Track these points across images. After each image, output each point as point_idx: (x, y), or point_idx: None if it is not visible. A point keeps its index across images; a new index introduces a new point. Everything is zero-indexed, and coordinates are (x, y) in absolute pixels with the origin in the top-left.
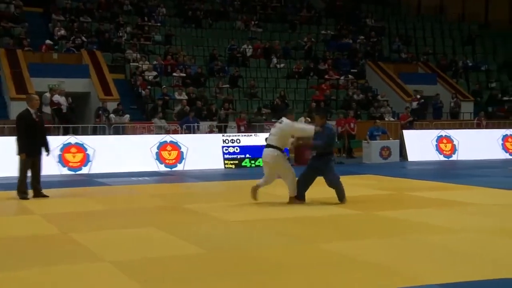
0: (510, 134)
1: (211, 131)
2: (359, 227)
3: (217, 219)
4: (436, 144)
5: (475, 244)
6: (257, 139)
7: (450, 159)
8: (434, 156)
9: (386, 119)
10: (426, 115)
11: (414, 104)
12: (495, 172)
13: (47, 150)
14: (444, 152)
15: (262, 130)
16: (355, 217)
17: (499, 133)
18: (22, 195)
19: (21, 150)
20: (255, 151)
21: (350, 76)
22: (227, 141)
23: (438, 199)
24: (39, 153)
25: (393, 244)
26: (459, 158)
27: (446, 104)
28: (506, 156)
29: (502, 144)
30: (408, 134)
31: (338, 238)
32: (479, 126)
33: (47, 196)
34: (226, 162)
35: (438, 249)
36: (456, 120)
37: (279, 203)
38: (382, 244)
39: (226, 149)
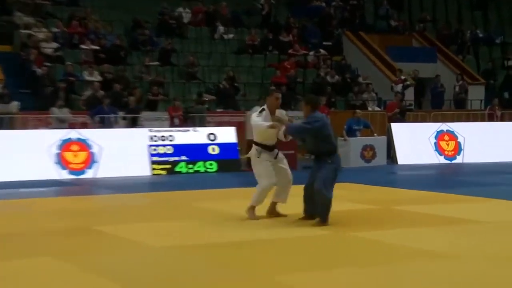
0: None
1: (133, 125)
2: (330, 252)
3: (138, 245)
4: (435, 142)
5: (479, 275)
6: (197, 135)
7: (454, 161)
8: (433, 157)
9: (370, 108)
10: (422, 103)
11: (398, 87)
12: (511, 180)
13: None
14: (446, 152)
15: (203, 123)
16: (326, 239)
17: None
18: None
19: None
20: (193, 152)
21: (321, 51)
22: (155, 138)
23: (435, 215)
24: None
25: (373, 276)
26: (465, 161)
27: (449, 89)
28: None
29: None
30: (398, 128)
31: (300, 268)
32: (491, 117)
33: None
34: (154, 166)
35: (432, 281)
36: (462, 110)
37: (230, 220)
38: (358, 276)
39: (154, 149)
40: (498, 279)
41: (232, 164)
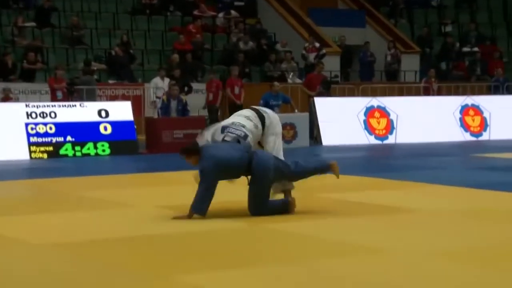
0: (472, 105)
1: (6, 98)
2: (246, 248)
3: (13, 242)
4: (364, 120)
5: (413, 271)
6: (85, 112)
7: (385, 142)
8: (362, 137)
9: (290, 80)
10: (350, 74)
11: (310, 57)
12: (450, 162)
13: None
14: (377, 131)
15: (93, 97)
16: (241, 233)
17: (456, 102)
18: None
19: None
20: (81, 131)
21: (233, 12)
22: (34, 115)
23: (365, 203)
24: None
25: (295, 274)
26: (398, 141)
27: (380, 58)
28: (466, 136)
29: (460, 119)
30: (322, 104)
31: (207, 266)
32: (427, 91)
33: None
34: (33, 149)
35: (363, 279)
36: (394, 83)
37: (125, 213)
38: (278, 274)
39: (32, 128)
40: (434, 275)
41: (128, 146)
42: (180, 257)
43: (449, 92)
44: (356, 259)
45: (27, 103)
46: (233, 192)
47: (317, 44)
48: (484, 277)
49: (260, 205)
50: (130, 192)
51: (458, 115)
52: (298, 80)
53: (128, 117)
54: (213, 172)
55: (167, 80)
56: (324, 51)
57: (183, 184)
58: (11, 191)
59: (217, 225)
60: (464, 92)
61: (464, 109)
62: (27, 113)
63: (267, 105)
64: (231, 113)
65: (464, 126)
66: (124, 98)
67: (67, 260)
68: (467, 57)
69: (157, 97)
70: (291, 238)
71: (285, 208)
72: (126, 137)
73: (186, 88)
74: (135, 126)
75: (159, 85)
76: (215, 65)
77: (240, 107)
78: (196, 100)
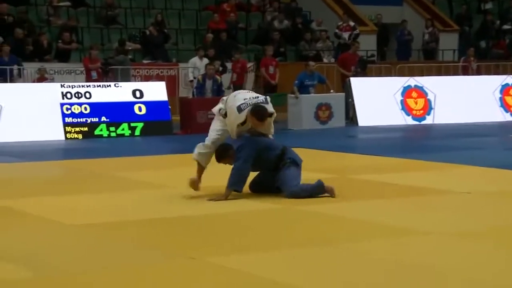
0: None
1: (41, 79)
2: (281, 229)
3: (50, 223)
4: (401, 100)
5: (452, 253)
6: (119, 91)
7: (423, 122)
8: (399, 118)
9: (325, 60)
10: (386, 53)
11: (344, 36)
12: (489, 143)
13: None
14: (414, 112)
15: (127, 77)
16: (276, 214)
17: (496, 81)
18: None
19: None
20: (115, 112)
21: None
22: (69, 96)
23: (401, 185)
24: None
25: (333, 256)
26: (436, 121)
27: (418, 37)
28: (507, 117)
29: (500, 99)
30: (358, 84)
31: (244, 247)
32: (466, 70)
33: None
34: (68, 129)
35: (401, 261)
36: (432, 62)
37: (160, 193)
38: (315, 256)
39: (67, 109)
40: (466, 255)
41: (162, 126)
42: (210, 238)
43: (488, 71)
44: (389, 241)
45: (62, 83)
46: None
47: (352, 23)
48: None
49: (296, 187)
50: (164, 173)
51: (498, 95)
52: (334, 60)
53: (163, 97)
54: (252, 149)
55: (205, 60)
56: (357, 30)
57: (218, 165)
58: (46, 172)
59: (248, 206)
60: (504, 71)
61: (504, 89)
62: (62, 93)
63: (302, 84)
64: (266, 94)
65: (505, 106)
66: (158, 78)
67: (99, 240)
68: (507, 35)
69: (194, 77)
70: (324, 220)
71: (320, 190)
72: (161, 117)
73: (220, 68)
74: (169, 107)
75: (197, 65)
76: (250, 44)
77: (275, 87)
78: (229, 80)
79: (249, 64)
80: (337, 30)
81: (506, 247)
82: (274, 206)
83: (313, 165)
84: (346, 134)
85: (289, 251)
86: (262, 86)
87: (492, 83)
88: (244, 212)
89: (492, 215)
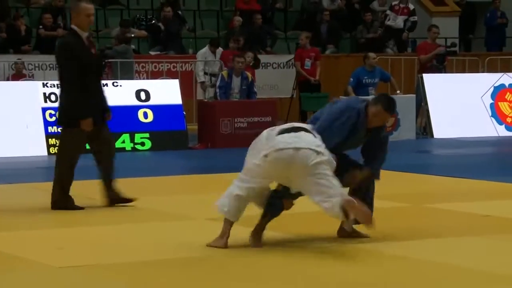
0: None
1: (18, 76)
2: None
3: (34, 265)
4: (492, 104)
5: None
6: (119, 92)
7: None
8: (488, 127)
9: (390, 51)
10: (472, 42)
11: (398, 20)
12: None
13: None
14: (508, 119)
15: (130, 73)
16: (321, 252)
17: None
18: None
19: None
20: (114, 119)
21: None
22: (53, 98)
23: (492, 217)
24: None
25: None
26: None
27: None
28: None
29: None
30: (434, 82)
31: None
32: None
33: (131, 200)
34: (51, 142)
35: None
36: None
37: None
38: None
39: (51, 115)
40: None
41: (175, 138)
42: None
43: None
44: None
45: (45, 82)
46: None
47: (411, 6)
48: None
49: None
50: (176, 199)
51: None
52: (401, 52)
53: (176, 100)
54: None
55: (220, 51)
56: (415, 17)
57: None
58: (25, 197)
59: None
60: None
61: None
62: (44, 94)
63: (359, 83)
64: (302, 93)
65: None
66: (170, 74)
67: (87, 283)
68: None
69: (205, 74)
70: (395, 263)
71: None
72: (173, 126)
73: (252, 62)
74: (184, 112)
75: (209, 58)
76: (290, 30)
77: (316, 87)
78: (265, 77)
79: (288, 58)
80: (388, 11)
81: None
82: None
83: (378, 189)
84: (418, 149)
85: None
86: (297, 86)
87: None
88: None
89: None
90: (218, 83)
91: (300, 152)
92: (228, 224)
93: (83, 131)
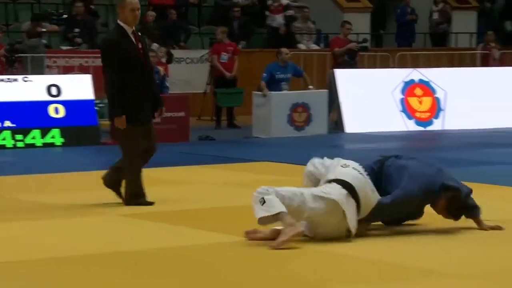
0: None
1: None
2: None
3: None
4: (402, 99)
5: None
6: (30, 87)
7: (429, 128)
8: (398, 122)
9: (303, 46)
10: (383, 38)
11: (277, 19)
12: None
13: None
14: (418, 114)
15: (40, 68)
16: (232, 250)
17: None
18: (137, 199)
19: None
20: (24, 115)
21: None
22: None
23: None
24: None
25: None
26: (446, 127)
27: (424, 17)
28: None
29: None
30: (346, 78)
31: None
32: (486, 60)
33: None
34: None
35: None
36: (442, 49)
37: (78, 222)
38: None
39: None
40: None
41: (87, 134)
42: (154, 279)
43: None
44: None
45: None
46: None
47: (284, 1)
48: None
49: None
50: (89, 195)
51: None
52: (314, 46)
53: (88, 95)
54: None
55: (155, 46)
56: (292, 11)
57: (158, 185)
58: None
59: (209, 238)
60: None
61: None
62: None
63: (272, 79)
64: (217, 88)
65: None
66: (82, 69)
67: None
68: None
69: None
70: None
71: None
72: (84, 122)
73: (164, 56)
74: (97, 108)
75: None
76: (204, 25)
77: (232, 82)
78: (179, 72)
79: (202, 53)
80: (266, 12)
81: None
82: (232, 239)
83: (288, 183)
84: (330, 144)
85: None
86: (213, 80)
87: None
88: (191, 248)
89: None
90: None
91: None
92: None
93: (133, 127)
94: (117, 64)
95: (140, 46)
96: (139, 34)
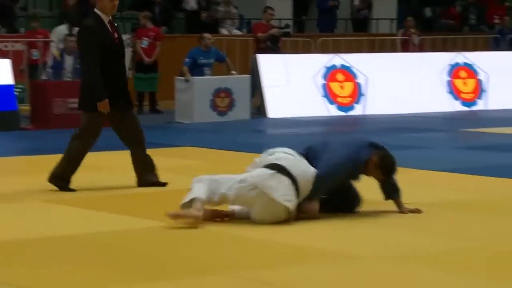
0: (465, 64)
1: None
2: (179, 254)
3: None
4: (324, 84)
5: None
6: None
7: (350, 113)
8: (321, 108)
9: (226, 31)
10: (305, 23)
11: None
12: (436, 140)
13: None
14: (339, 99)
15: None
16: (154, 233)
17: (443, 60)
18: (59, 182)
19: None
20: None
21: None
22: None
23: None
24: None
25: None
26: (368, 112)
27: (345, 2)
28: (456, 105)
29: (448, 82)
30: (269, 63)
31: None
32: (406, 46)
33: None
34: None
35: None
36: (363, 35)
37: None
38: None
39: None
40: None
41: (6, 119)
42: (81, 266)
43: (435, 47)
44: (318, 265)
45: None
46: None
47: None
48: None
49: None
50: (7, 181)
51: (445, 78)
52: (237, 31)
53: (7, 80)
54: None
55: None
56: None
57: (79, 170)
58: None
59: (131, 224)
60: (453, 47)
61: (454, 70)
62: None
63: (194, 64)
64: (137, 73)
65: (454, 92)
66: (1, 54)
67: None
68: (458, 0)
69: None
70: (240, 243)
71: None
72: (4, 107)
73: None
74: (16, 93)
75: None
76: (126, 10)
77: (151, 68)
78: None
79: (124, 38)
80: None
81: (452, 271)
82: (157, 223)
83: (211, 168)
84: (252, 129)
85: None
86: (134, 66)
87: (439, 62)
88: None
89: (439, 232)
90: (49, 63)
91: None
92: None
93: (101, 115)
94: (95, 50)
95: (116, 36)
96: (115, 24)
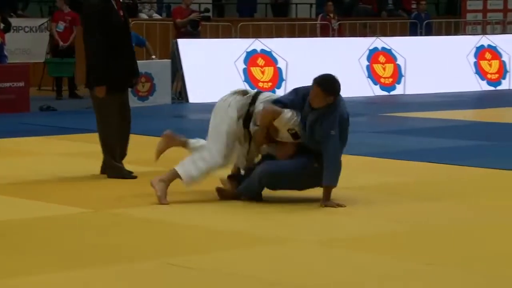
0: (383, 48)
1: None
2: (89, 241)
3: None
4: (244, 69)
5: (295, 264)
6: None
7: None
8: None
9: (145, 15)
10: (225, 8)
11: None
12: (354, 125)
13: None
14: (261, 84)
15: None
16: (85, 221)
17: (362, 45)
18: (117, 172)
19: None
20: None
21: None
22: None
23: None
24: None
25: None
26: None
27: None
28: (376, 90)
29: (367, 67)
30: (189, 48)
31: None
32: (326, 31)
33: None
34: None
35: (239, 277)
36: (283, 19)
37: None
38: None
39: None
40: (329, 267)
41: None
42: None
43: (353, 32)
44: (246, 251)
45: None
46: None
47: None
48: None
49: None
50: None
51: (365, 62)
52: (156, 15)
53: None
54: None
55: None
56: None
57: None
58: None
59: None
60: (372, 32)
61: (373, 54)
62: None
63: None
64: (54, 57)
65: (373, 76)
66: None
67: None
68: None
69: None
70: (155, 227)
71: None
72: None
73: (1, 25)
74: None
75: None
76: None
77: (68, 52)
78: (17, 41)
79: (41, 22)
80: None
81: (373, 255)
82: (79, 210)
83: (129, 156)
84: (173, 114)
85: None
86: (50, 50)
87: (358, 47)
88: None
89: (361, 217)
90: None
91: None
92: None
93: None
94: (100, 29)
95: (121, 13)
96: (121, 1)
